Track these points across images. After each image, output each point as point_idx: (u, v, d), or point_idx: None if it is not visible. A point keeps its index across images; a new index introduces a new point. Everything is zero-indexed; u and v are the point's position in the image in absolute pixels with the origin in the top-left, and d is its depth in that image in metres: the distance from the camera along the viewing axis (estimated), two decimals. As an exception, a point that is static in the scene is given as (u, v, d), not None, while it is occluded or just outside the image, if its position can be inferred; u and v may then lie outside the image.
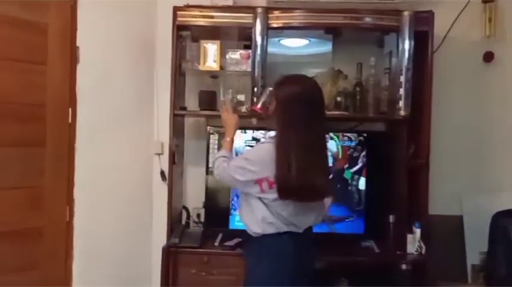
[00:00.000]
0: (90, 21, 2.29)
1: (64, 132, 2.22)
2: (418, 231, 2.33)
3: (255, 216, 1.78)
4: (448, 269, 2.54)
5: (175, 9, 2.40)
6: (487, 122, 2.68)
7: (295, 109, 1.73)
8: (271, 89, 1.87)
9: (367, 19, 2.34)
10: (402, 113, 2.31)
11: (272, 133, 1.82)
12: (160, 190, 2.62)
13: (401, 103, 2.31)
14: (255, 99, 2.35)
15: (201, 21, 2.42)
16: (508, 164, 2.66)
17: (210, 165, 2.47)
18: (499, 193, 2.61)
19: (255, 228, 1.79)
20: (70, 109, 2.24)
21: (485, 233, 2.46)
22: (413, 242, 2.33)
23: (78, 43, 2.25)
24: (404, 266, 2.22)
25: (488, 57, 2.63)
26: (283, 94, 1.78)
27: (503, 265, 2.31)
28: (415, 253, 2.32)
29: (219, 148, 2.46)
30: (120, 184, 2.50)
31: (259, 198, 1.77)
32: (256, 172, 1.75)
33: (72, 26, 2.24)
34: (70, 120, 2.24)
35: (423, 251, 2.32)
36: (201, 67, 2.51)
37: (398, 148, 2.43)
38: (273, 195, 1.72)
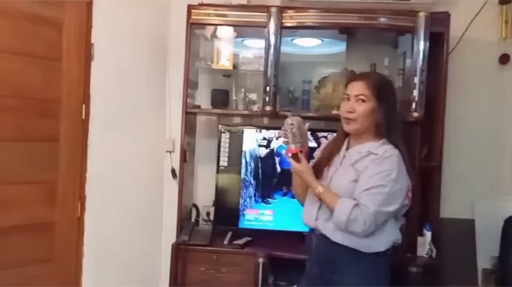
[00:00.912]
0: (105, 18, 2.30)
1: (77, 128, 2.24)
2: (428, 234, 2.31)
3: (393, 234, 1.67)
4: (458, 273, 2.51)
5: (190, 7, 2.41)
6: (502, 125, 2.65)
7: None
8: (291, 121, 1.64)
9: (382, 19, 2.33)
10: (415, 114, 2.29)
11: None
12: (171, 188, 2.63)
13: (414, 104, 2.29)
14: (267, 98, 2.34)
15: (215, 20, 2.43)
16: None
17: (221, 163, 2.49)
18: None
19: (381, 246, 1.64)
20: (84, 105, 2.26)
21: (497, 238, 2.44)
22: (424, 245, 2.31)
23: (93, 40, 2.27)
24: (414, 269, 2.20)
25: (504, 59, 2.59)
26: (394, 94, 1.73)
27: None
28: (426, 255, 2.31)
29: (231, 147, 2.47)
30: (131, 181, 2.52)
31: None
32: (406, 185, 1.64)
33: (88, 23, 2.25)
34: (83, 117, 2.26)
35: (433, 255, 2.30)
36: (214, 66, 2.52)
37: (411, 149, 2.41)
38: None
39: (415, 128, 2.35)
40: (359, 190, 1.59)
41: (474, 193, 2.61)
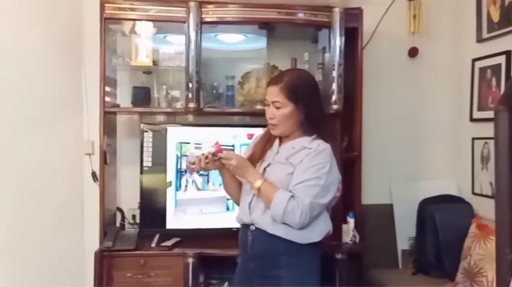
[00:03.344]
0: (10, 12, 2.10)
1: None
2: (352, 221, 2.41)
3: (326, 225, 1.72)
4: (381, 256, 2.66)
5: (103, 1, 2.29)
6: (413, 114, 2.83)
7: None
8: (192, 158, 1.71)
9: (300, 15, 2.37)
10: (335, 107, 2.37)
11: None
12: (92, 192, 2.49)
13: (334, 97, 2.36)
14: (189, 95, 2.31)
15: (132, 15, 2.33)
16: (433, 153, 2.83)
17: (145, 164, 2.40)
18: (425, 181, 2.77)
19: (316, 236, 1.68)
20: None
21: (414, 220, 2.61)
22: (348, 232, 2.41)
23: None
24: (339, 256, 2.28)
25: (413, 52, 2.77)
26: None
27: (431, 249, 2.45)
28: (350, 242, 2.40)
29: (154, 146, 2.39)
30: (47, 187, 2.34)
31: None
32: (338, 178, 1.70)
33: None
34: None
35: (357, 240, 2.40)
36: (133, 62, 2.42)
37: (332, 141, 2.49)
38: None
39: (335, 120, 2.43)
40: (294, 183, 1.62)
41: (392, 178, 2.77)
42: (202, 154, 1.67)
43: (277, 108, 1.67)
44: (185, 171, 2.39)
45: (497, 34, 2.39)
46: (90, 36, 2.50)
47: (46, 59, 2.34)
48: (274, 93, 1.67)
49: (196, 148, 2.32)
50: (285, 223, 1.61)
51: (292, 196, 1.60)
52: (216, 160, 1.68)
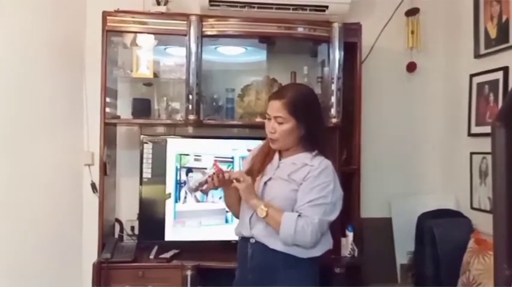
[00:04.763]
0: (11, 23, 2.13)
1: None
2: (350, 235, 2.41)
3: (328, 240, 1.73)
4: (380, 270, 2.65)
5: (105, 14, 2.32)
6: (412, 128, 2.85)
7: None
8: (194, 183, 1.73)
9: (300, 29, 2.40)
10: (334, 120, 2.39)
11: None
12: (91, 203, 2.49)
13: (333, 111, 2.38)
14: (190, 107, 2.32)
15: (133, 28, 2.36)
16: (431, 168, 2.84)
17: (145, 175, 2.41)
18: (424, 195, 2.77)
19: (317, 251, 1.68)
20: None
21: (412, 234, 2.60)
22: (347, 246, 2.40)
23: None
24: (338, 270, 2.28)
25: (411, 67, 2.80)
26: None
27: (430, 264, 2.43)
28: (349, 255, 2.40)
29: (154, 157, 2.40)
30: (46, 197, 2.34)
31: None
32: (341, 194, 1.71)
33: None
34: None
35: (356, 254, 2.40)
36: (134, 74, 2.44)
37: (331, 155, 2.50)
38: None
39: (334, 134, 2.44)
40: (300, 203, 1.63)
41: (391, 192, 2.78)
42: (209, 176, 1.68)
43: (280, 123, 1.67)
44: (184, 182, 2.40)
45: (494, 50, 2.42)
46: (92, 48, 2.53)
47: (48, 70, 2.37)
48: (277, 109, 1.67)
49: (196, 159, 2.34)
50: (296, 245, 1.61)
51: (299, 215, 1.60)
52: (226, 179, 1.69)
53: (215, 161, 1.72)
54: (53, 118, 2.40)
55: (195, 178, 1.78)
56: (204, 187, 1.70)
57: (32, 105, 2.26)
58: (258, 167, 1.76)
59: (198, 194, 2.40)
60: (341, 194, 1.70)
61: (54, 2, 2.40)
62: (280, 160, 1.75)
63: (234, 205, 1.82)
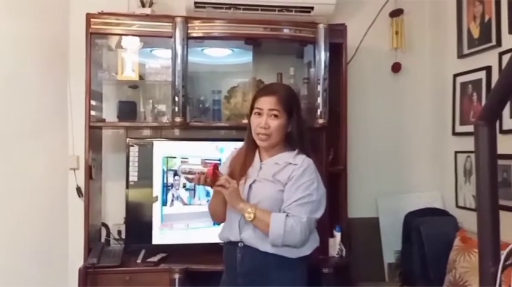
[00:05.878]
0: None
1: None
2: (338, 235, 2.42)
3: (315, 238, 1.74)
4: (367, 269, 2.67)
5: (89, 16, 2.29)
6: (397, 128, 2.87)
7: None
8: (183, 170, 1.69)
9: (285, 30, 2.41)
10: (321, 121, 2.39)
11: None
12: (77, 208, 2.46)
13: (319, 111, 2.39)
14: (176, 109, 2.31)
15: (118, 30, 2.34)
16: (418, 166, 2.87)
17: (131, 179, 2.38)
18: (410, 194, 2.80)
19: (307, 250, 1.69)
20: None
21: (399, 233, 2.63)
22: (335, 246, 2.41)
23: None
24: (326, 270, 2.28)
25: (396, 67, 2.83)
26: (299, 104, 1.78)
27: (417, 262, 2.46)
28: (337, 255, 2.41)
29: (140, 160, 2.38)
30: (31, 202, 2.30)
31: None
32: (324, 191, 1.71)
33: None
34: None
35: (344, 254, 2.41)
36: (119, 77, 2.42)
37: (317, 154, 2.52)
38: None
39: (321, 134, 2.45)
40: (287, 203, 1.63)
41: (377, 192, 2.80)
42: (199, 173, 1.63)
43: (275, 116, 1.66)
44: (171, 185, 2.39)
45: (477, 50, 2.46)
46: (76, 51, 2.50)
47: (31, 73, 2.33)
48: (273, 103, 1.66)
49: (182, 162, 2.32)
50: (286, 245, 1.61)
51: (287, 215, 1.60)
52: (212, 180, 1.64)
53: (213, 164, 1.66)
54: (37, 122, 2.37)
55: (192, 164, 1.74)
56: (191, 177, 1.66)
57: (16, 108, 2.23)
58: (239, 170, 1.73)
59: (185, 197, 2.40)
60: (324, 191, 1.71)
61: (36, 4, 2.36)
62: (261, 161, 1.74)
63: (219, 205, 1.76)
